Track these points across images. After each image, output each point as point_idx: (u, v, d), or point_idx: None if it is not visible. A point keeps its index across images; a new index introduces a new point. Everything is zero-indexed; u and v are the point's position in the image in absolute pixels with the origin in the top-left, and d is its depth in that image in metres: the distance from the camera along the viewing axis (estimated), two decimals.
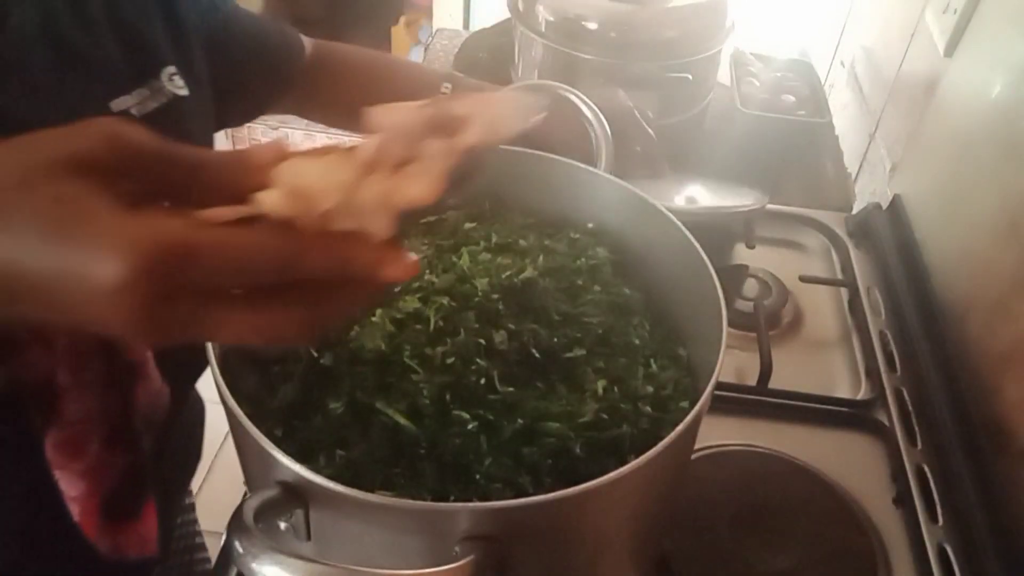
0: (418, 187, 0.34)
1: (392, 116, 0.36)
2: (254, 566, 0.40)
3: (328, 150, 0.35)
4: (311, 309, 0.33)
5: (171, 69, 0.57)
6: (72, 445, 0.53)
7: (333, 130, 3.23)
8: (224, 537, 0.84)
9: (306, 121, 3.21)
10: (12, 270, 0.30)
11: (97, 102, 0.52)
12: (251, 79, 0.74)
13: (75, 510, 0.55)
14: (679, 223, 0.60)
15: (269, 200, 0.33)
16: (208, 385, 0.54)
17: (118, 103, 0.53)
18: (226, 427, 0.47)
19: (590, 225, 0.67)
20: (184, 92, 0.57)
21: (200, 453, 0.82)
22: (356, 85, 0.83)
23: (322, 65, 0.81)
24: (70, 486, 0.54)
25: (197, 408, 0.80)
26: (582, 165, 0.66)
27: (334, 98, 0.84)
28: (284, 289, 0.32)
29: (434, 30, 1.52)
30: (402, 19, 2.76)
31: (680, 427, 0.46)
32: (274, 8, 2.33)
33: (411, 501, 0.43)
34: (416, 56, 2.73)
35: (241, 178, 0.34)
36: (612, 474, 0.43)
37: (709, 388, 0.49)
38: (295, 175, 0.33)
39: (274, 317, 0.32)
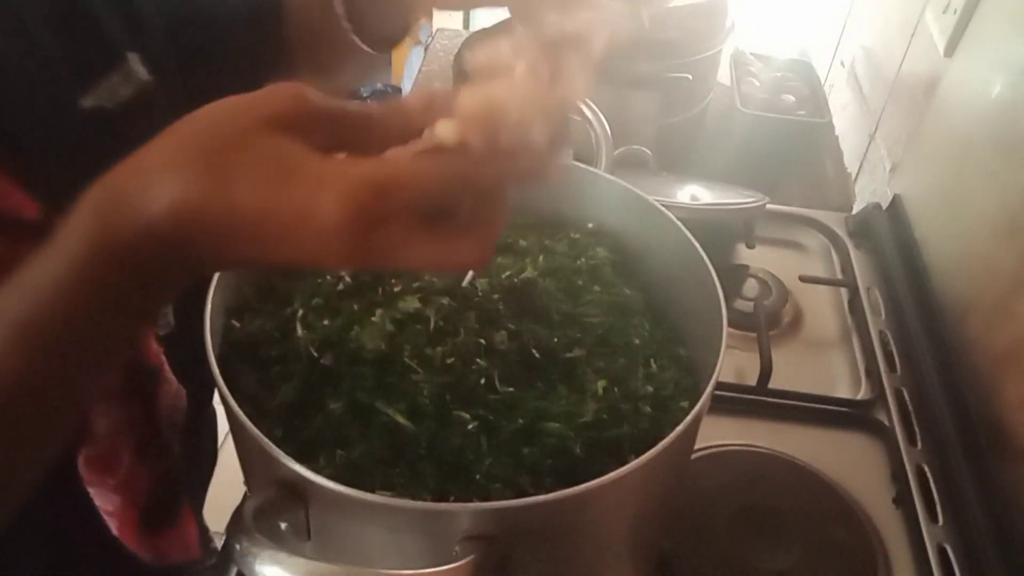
0: (573, 87, 0.38)
1: (523, 45, 0.39)
2: (255, 566, 0.40)
3: (492, 71, 0.39)
4: (482, 231, 0.38)
5: (135, 56, 0.54)
6: (105, 460, 0.53)
7: None
8: (224, 537, 0.84)
9: None
10: (247, 216, 0.34)
11: (68, 97, 0.50)
12: (239, 51, 0.68)
13: (113, 524, 0.55)
14: (679, 223, 0.60)
15: (443, 131, 0.37)
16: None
17: (90, 97, 0.51)
18: (226, 427, 0.47)
19: (590, 225, 0.67)
20: (150, 79, 0.55)
21: (215, 456, 0.80)
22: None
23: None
24: (105, 501, 0.54)
25: (209, 411, 0.80)
26: (582, 165, 0.66)
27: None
28: (460, 217, 0.38)
29: (434, 30, 1.51)
30: None
31: (680, 427, 0.46)
32: None
33: (411, 501, 0.43)
34: (416, 56, 2.73)
35: (406, 123, 0.38)
36: (612, 474, 0.43)
37: (709, 388, 0.49)
38: (469, 103, 0.37)
39: (456, 243, 0.37)
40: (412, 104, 0.38)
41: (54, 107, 0.50)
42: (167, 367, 0.57)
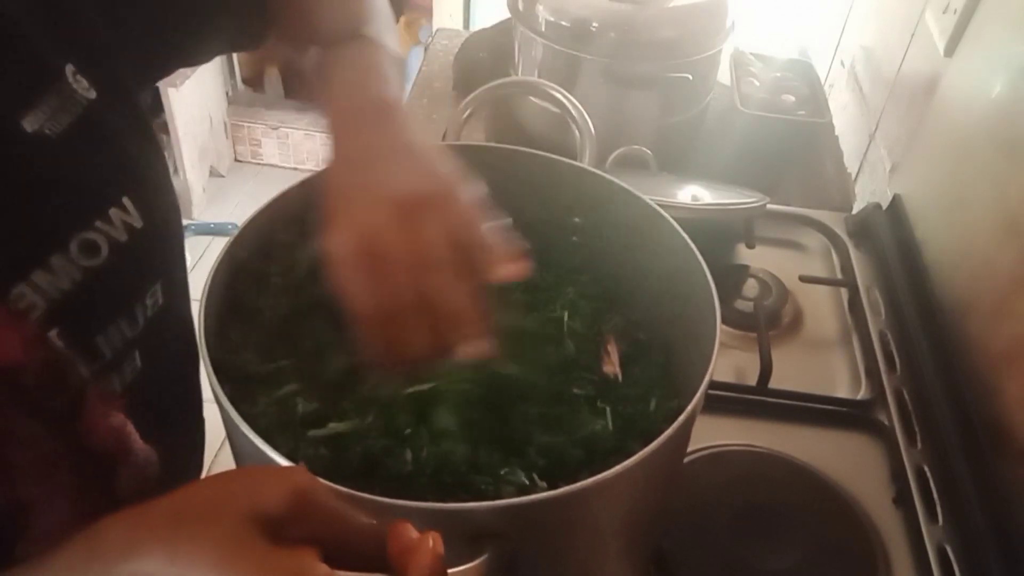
0: None
1: None
2: None
3: None
4: None
5: (71, 67, 0.48)
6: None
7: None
8: None
9: (306, 121, 3.20)
10: None
11: (5, 124, 0.45)
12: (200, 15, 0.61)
13: None
14: (667, 216, 0.61)
15: None
16: (204, 387, 0.53)
17: (29, 121, 0.45)
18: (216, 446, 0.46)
19: (577, 220, 0.67)
20: (92, 94, 0.49)
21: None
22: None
23: None
24: None
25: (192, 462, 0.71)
26: (568, 160, 0.66)
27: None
28: None
29: (434, 30, 1.52)
30: (402, 19, 2.76)
31: (676, 424, 0.47)
32: None
33: (421, 502, 0.43)
34: (416, 56, 2.73)
35: (381, 555, 0.37)
36: (613, 470, 0.44)
37: (704, 383, 0.49)
38: None
39: None
40: (393, 546, 0.37)
41: None
42: (133, 437, 0.52)
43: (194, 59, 0.64)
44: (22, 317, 0.44)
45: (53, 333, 0.46)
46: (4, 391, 0.44)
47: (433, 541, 0.37)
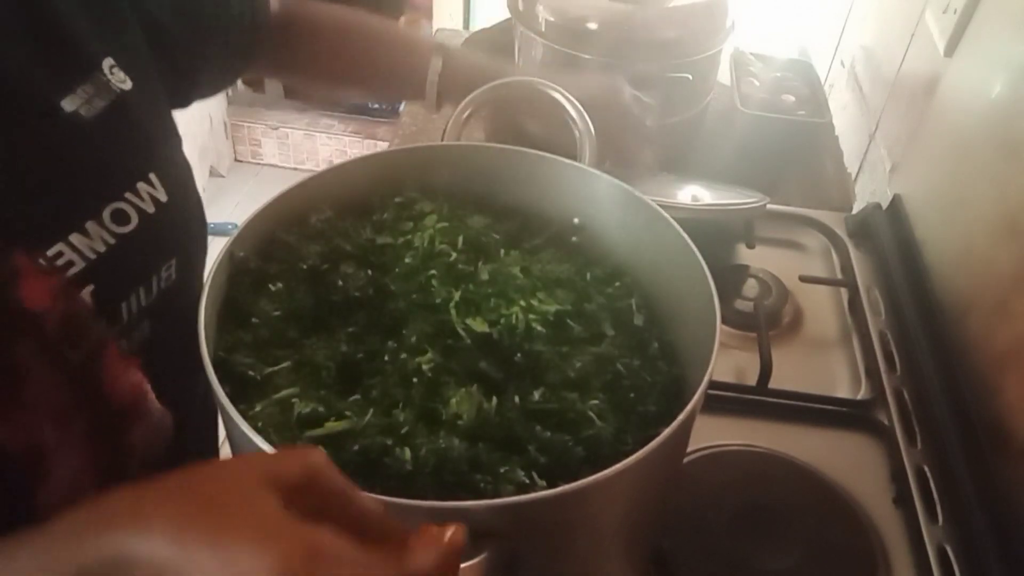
0: None
1: None
2: None
3: None
4: None
5: (110, 61, 0.55)
6: (65, 504, 0.52)
7: (334, 130, 3.17)
8: None
9: (306, 121, 3.19)
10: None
11: (44, 107, 0.51)
12: (213, 49, 0.70)
13: None
14: (666, 214, 0.61)
15: None
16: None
17: (67, 103, 0.52)
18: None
19: (576, 220, 0.67)
20: (127, 86, 0.56)
21: None
22: (330, 46, 0.81)
23: (292, 24, 0.78)
24: None
25: (211, 434, 0.75)
26: (568, 160, 0.66)
27: (308, 59, 0.81)
28: None
29: (434, 30, 1.52)
30: (402, 19, 2.76)
31: (676, 423, 0.47)
32: None
33: (420, 501, 0.43)
34: None
35: (393, 540, 0.38)
36: (613, 468, 0.44)
37: (704, 384, 0.49)
38: None
39: None
40: (414, 544, 0.38)
41: (30, 114, 0.51)
42: (150, 397, 0.54)
43: (199, 81, 0.70)
44: (55, 271, 0.50)
45: (87, 291, 0.51)
46: (31, 336, 0.47)
47: (454, 531, 0.39)
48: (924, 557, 0.69)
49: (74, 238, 0.51)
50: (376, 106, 2.95)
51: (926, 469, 0.75)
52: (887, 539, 0.71)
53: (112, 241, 0.53)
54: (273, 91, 2.89)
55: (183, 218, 0.60)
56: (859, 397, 0.83)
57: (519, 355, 0.55)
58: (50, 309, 0.48)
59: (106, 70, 0.55)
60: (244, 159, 2.93)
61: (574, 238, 0.67)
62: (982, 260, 0.81)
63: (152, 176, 0.56)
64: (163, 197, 0.57)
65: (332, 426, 0.50)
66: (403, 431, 0.50)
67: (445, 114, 0.77)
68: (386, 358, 0.54)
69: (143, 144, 0.57)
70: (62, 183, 0.52)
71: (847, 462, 0.77)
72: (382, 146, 2.44)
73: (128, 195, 0.55)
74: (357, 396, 0.53)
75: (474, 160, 0.68)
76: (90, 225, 0.52)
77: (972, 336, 0.80)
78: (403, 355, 0.54)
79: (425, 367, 0.53)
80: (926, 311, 0.87)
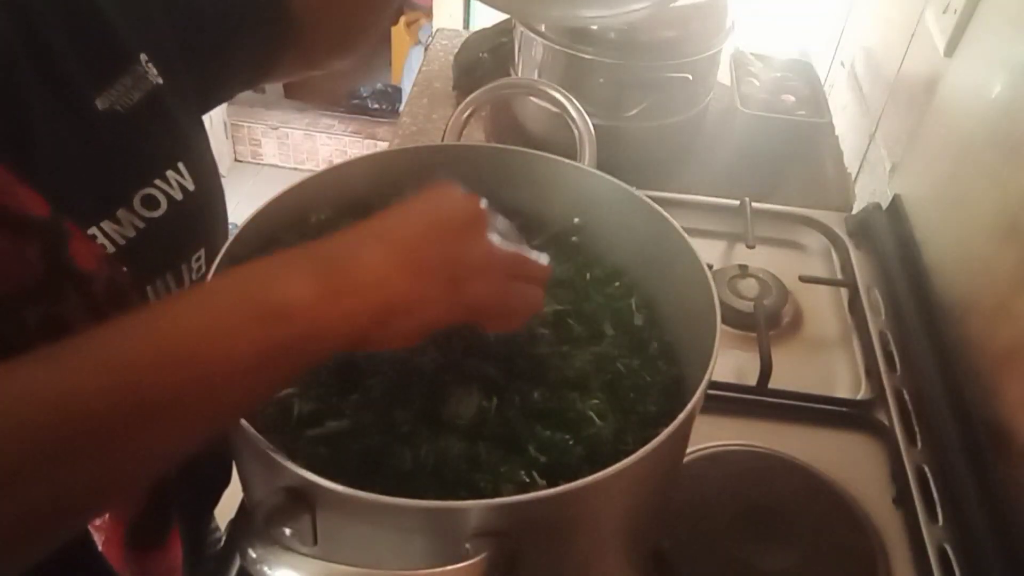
0: None
1: None
2: (273, 571, 0.40)
3: None
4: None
5: (144, 56, 0.57)
6: None
7: (334, 130, 3.17)
8: (223, 539, 0.84)
9: (306, 121, 3.20)
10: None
11: (82, 99, 0.53)
12: (240, 46, 0.68)
13: (99, 539, 0.54)
14: (667, 215, 0.61)
15: None
16: None
17: (104, 99, 0.54)
18: None
19: (576, 220, 0.67)
20: (160, 80, 0.58)
21: (229, 476, 0.76)
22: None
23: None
24: None
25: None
26: (568, 160, 0.66)
27: (326, 25, 0.75)
28: None
29: (434, 30, 1.51)
30: (402, 19, 2.76)
31: (676, 422, 0.47)
32: None
33: (422, 501, 0.43)
34: (416, 56, 2.73)
35: None
36: (613, 468, 0.44)
37: (704, 383, 0.49)
38: None
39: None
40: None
41: (68, 108, 0.52)
42: None
43: (220, 84, 0.70)
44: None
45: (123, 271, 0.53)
46: (80, 293, 0.49)
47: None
48: (924, 557, 0.69)
49: (105, 224, 0.53)
50: (376, 106, 2.96)
51: (926, 469, 0.75)
52: (887, 539, 0.71)
53: (142, 225, 0.55)
54: (273, 91, 2.89)
55: (211, 209, 0.62)
56: (859, 397, 0.83)
57: (519, 355, 0.55)
58: (97, 272, 0.50)
59: (142, 64, 0.57)
60: (244, 159, 2.93)
61: (574, 238, 0.67)
62: (982, 260, 0.81)
63: (181, 165, 0.58)
64: (191, 186, 0.59)
65: (332, 425, 0.50)
66: (403, 431, 0.50)
67: (445, 114, 0.77)
68: (386, 358, 0.54)
69: (173, 135, 0.59)
70: (97, 172, 0.53)
71: (847, 462, 0.77)
72: (382, 146, 2.45)
73: (158, 182, 0.57)
74: (357, 396, 0.53)
75: (474, 160, 0.68)
76: (121, 212, 0.54)
77: (972, 336, 0.80)
78: (403, 355, 0.54)
79: (425, 367, 0.53)
80: (926, 311, 0.87)
